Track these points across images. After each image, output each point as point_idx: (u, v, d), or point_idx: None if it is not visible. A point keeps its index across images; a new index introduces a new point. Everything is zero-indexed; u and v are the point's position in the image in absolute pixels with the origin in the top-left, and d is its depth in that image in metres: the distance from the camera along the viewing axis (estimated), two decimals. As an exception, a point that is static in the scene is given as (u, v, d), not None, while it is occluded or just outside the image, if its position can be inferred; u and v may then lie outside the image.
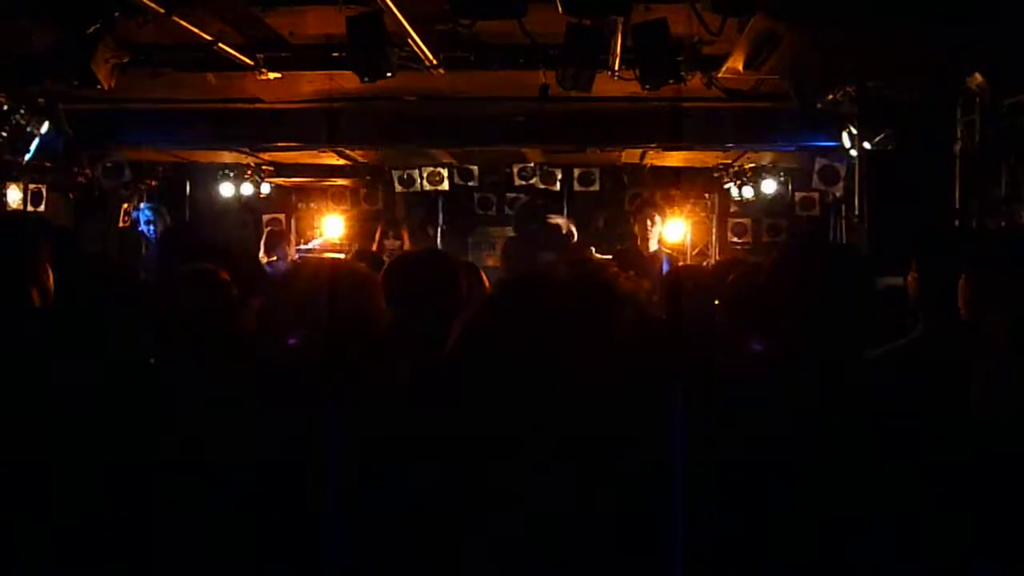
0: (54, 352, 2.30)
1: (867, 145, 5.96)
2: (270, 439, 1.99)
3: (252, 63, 5.57)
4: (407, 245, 6.92)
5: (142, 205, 9.52)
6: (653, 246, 5.97)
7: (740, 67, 4.91)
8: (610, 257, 5.70)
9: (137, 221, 9.39)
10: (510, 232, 10.97)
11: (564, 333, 0.95)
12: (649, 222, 5.98)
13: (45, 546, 2.03)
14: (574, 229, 6.24)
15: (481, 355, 0.99)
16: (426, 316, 2.51)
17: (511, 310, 1.00)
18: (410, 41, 5.07)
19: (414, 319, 2.53)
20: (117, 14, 4.70)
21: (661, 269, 5.57)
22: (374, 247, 6.92)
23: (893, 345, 2.65)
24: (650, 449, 0.96)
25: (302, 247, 9.90)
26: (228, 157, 9.12)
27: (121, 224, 9.19)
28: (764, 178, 8.98)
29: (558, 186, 10.16)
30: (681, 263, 6.89)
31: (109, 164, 8.60)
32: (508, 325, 0.98)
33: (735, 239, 10.42)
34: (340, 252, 7.69)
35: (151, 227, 9.30)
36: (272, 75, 5.70)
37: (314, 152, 8.51)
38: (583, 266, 1.04)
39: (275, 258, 7.13)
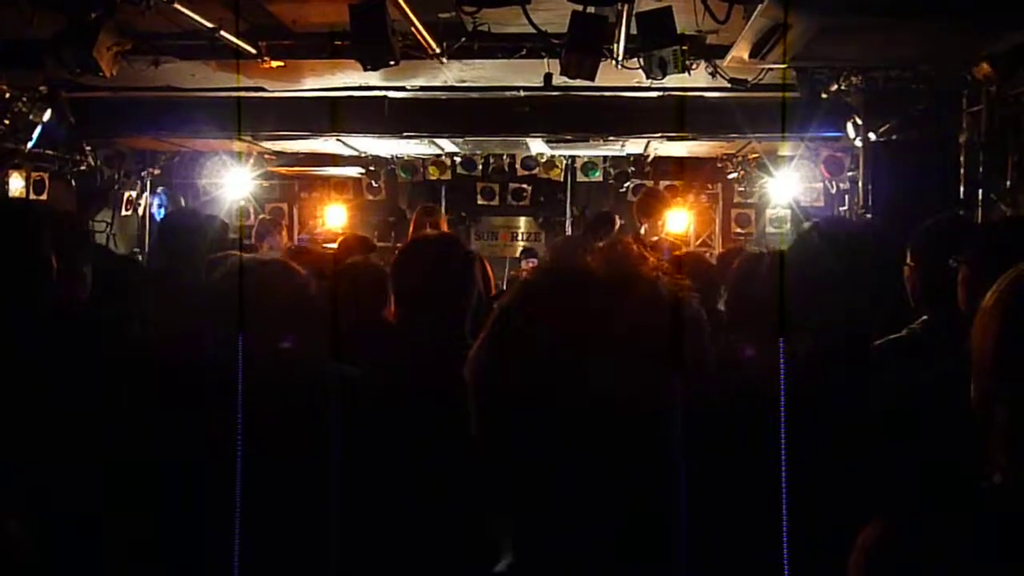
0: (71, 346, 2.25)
1: (872, 135, 5.93)
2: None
3: (255, 51, 5.55)
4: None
5: (159, 190, 9.55)
6: (657, 235, 5.95)
7: (745, 56, 4.88)
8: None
9: (150, 207, 9.43)
10: (513, 221, 11.02)
11: (602, 330, 0.93)
12: (652, 212, 5.96)
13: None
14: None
15: (514, 351, 0.97)
16: (439, 310, 2.45)
17: (546, 306, 0.98)
18: (413, 30, 5.04)
19: (425, 311, 2.48)
20: (119, 1, 4.68)
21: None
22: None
23: (894, 336, 2.64)
24: (661, 441, 0.95)
25: (302, 236, 9.88)
26: (230, 146, 9.11)
27: (124, 212, 9.20)
28: (768, 168, 8.96)
29: (561, 176, 10.16)
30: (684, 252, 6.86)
31: (111, 152, 8.60)
32: (543, 320, 0.96)
33: (738, 229, 10.40)
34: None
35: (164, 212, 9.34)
36: (275, 63, 5.69)
37: (317, 141, 8.50)
38: (621, 259, 1.01)
39: (267, 248, 6.87)
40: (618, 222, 6.59)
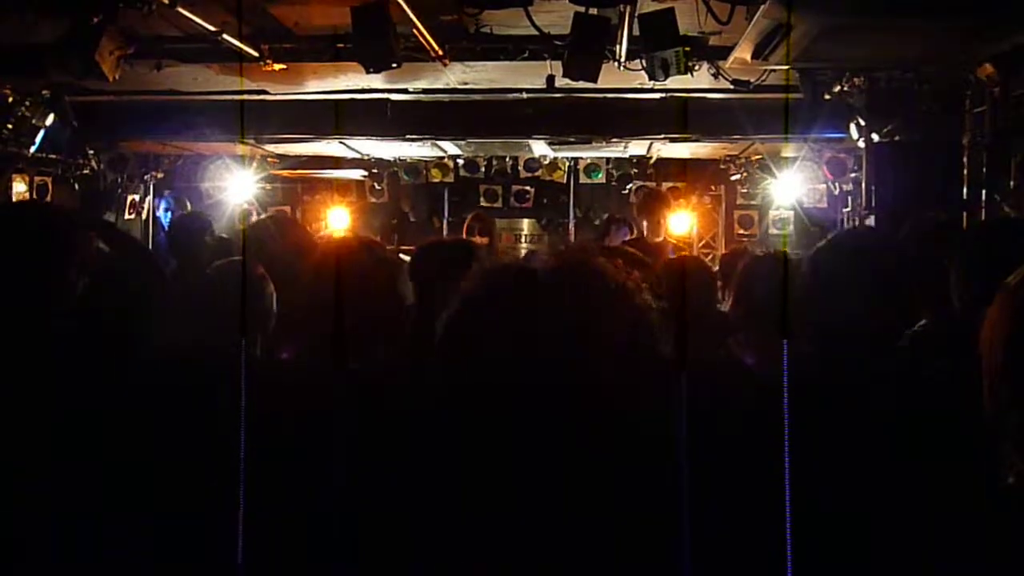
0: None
1: (875, 136, 5.92)
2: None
3: (257, 54, 5.56)
4: (495, 243, 6.51)
5: (165, 194, 9.56)
6: (659, 237, 5.94)
7: (748, 57, 4.87)
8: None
9: (155, 211, 9.45)
10: (516, 223, 11.01)
11: (548, 328, 0.93)
12: (654, 213, 5.95)
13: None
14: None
15: (464, 353, 0.96)
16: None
17: (493, 306, 0.97)
18: (415, 32, 5.04)
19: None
20: (121, 5, 4.69)
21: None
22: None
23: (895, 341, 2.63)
24: (651, 441, 0.95)
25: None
26: (233, 149, 9.12)
27: (127, 216, 9.20)
28: (771, 169, 8.96)
29: (564, 178, 10.16)
30: (686, 254, 6.88)
31: (114, 156, 8.61)
32: (490, 321, 0.96)
33: (741, 231, 10.39)
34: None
35: (169, 216, 9.35)
36: (277, 66, 5.69)
37: (320, 144, 8.50)
38: (570, 255, 1.01)
39: None
40: (622, 226, 6.64)
